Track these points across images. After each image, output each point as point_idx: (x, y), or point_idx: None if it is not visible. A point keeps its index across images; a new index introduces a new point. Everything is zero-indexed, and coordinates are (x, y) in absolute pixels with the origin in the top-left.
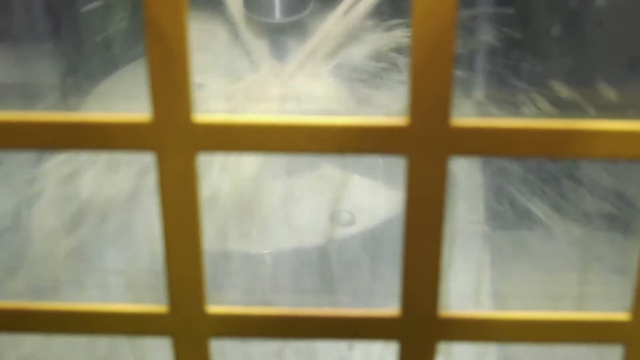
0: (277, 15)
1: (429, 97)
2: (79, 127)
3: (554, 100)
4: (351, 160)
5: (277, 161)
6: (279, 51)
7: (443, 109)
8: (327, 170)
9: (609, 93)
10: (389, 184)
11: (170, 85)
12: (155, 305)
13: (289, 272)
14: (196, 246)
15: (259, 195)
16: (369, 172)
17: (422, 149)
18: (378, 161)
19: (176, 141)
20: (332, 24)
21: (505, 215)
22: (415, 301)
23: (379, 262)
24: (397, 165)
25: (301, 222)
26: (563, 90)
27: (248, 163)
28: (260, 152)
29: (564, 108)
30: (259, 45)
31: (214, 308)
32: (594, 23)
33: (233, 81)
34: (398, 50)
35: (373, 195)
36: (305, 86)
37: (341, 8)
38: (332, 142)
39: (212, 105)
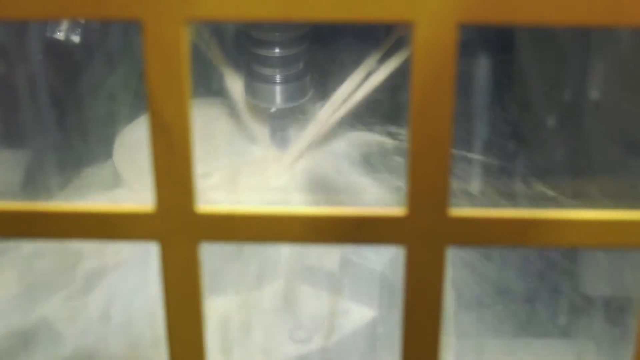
0: (278, 100)
1: (427, 188)
2: (82, 217)
3: (551, 190)
4: (306, 273)
5: (229, 274)
6: (279, 137)
7: (441, 199)
8: (283, 284)
9: (606, 181)
10: (346, 297)
11: (174, 176)
12: None
13: None
14: (199, 335)
15: (214, 310)
16: (326, 285)
17: (421, 238)
18: (335, 274)
19: (179, 231)
20: (329, 111)
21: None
22: None
23: None
24: (353, 278)
25: (255, 341)
26: (561, 179)
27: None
28: (262, 242)
29: (562, 197)
30: (260, 131)
31: None
32: (591, 109)
33: (234, 169)
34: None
35: (330, 310)
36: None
37: (338, 95)
38: (332, 232)
39: (213, 194)
